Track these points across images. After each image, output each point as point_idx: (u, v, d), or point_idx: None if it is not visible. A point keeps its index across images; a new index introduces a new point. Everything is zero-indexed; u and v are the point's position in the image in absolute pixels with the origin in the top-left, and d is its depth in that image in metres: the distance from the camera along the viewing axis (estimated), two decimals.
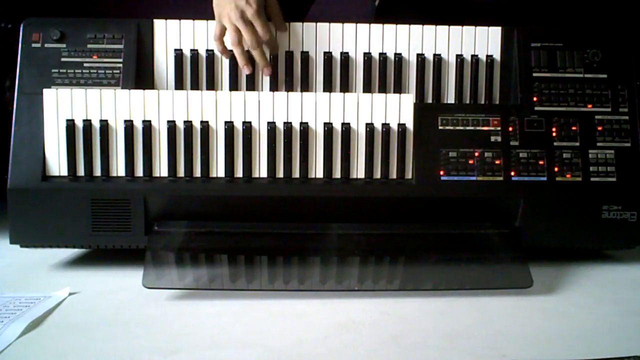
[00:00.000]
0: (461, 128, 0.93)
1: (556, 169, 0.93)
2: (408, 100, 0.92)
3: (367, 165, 0.92)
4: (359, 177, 0.92)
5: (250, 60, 0.95)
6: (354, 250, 0.89)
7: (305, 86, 0.97)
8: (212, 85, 0.97)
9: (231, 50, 0.95)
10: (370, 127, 0.91)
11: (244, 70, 0.95)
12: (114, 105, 0.90)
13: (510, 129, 0.93)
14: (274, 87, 0.97)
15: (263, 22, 0.93)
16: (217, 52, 0.96)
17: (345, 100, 0.92)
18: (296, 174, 0.91)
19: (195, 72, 0.96)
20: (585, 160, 0.93)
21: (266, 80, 0.97)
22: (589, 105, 0.96)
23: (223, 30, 0.94)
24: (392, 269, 0.89)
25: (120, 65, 0.95)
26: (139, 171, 0.91)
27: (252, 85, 0.97)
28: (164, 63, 0.97)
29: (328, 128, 0.91)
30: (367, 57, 0.97)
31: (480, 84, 0.99)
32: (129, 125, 0.90)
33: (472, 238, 0.92)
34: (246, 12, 0.91)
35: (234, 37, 0.93)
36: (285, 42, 0.97)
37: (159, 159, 0.91)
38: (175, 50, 0.97)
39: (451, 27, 0.99)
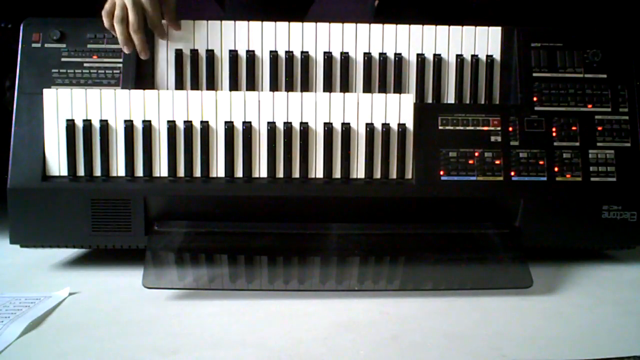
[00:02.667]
0: (461, 128, 0.93)
1: (556, 169, 0.93)
2: (408, 100, 0.92)
3: (367, 165, 0.92)
4: (359, 177, 0.92)
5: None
6: (354, 250, 0.89)
7: (305, 86, 0.97)
8: (212, 85, 0.97)
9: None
10: (370, 127, 0.91)
11: (124, 50, 0.93)
12: (114, 105, 0.90)
13: (510, 129, 0.93)
14: (274, 87, 0.97)
15: (154, 7, 0.91)
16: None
17: (345, 100, 0.92)
18: (296, 174, 0.91)
19: (195, 72, 0.96)
20: (585, 160, 0.93)
21: (266, 81, 0.97)
22: (589, 105, 0.96)
23: (113, 6, 0.93)
24: (392, 269, 0.89)
25: (120, 65, 0.95)
26: (139, 171, 0.91)
27: (252, 85, 0.97)
28: (164, 63, 0.97)
29: (328, 128, 0.91)
30: (367, 57, 0.97)
31: (480, 84, 0.99)
32: (129, 125, 0.90)
33: (472, 238, 0.92)
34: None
35: (118, 14, 0.91)
36: (285, 42, 0.97)
37: (159, 159, 0.91)
38: (176, 50, 0.97)
39: (451, 27, 0.99)
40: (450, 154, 0.92)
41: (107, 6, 0.93)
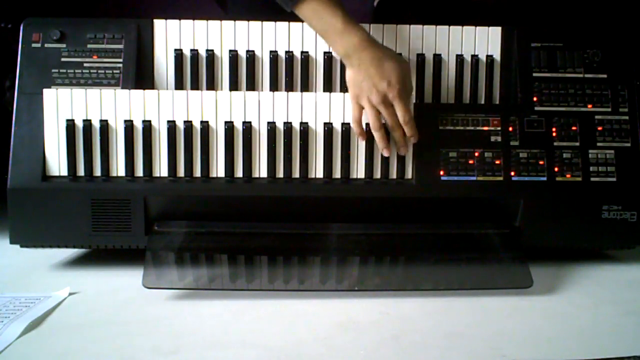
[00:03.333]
0: (461, 128, 0.93)
1: (556, 169, 0.93)
2: None
3: (367, 165, 0.92)
4: (359, 177, 0.92)
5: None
6: (354, 250, 0.89)
7: (305, 86, 0.97)
8: (212, 85, 0.97)
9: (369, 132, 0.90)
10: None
11: (384, 153, 0.90)
12: (114, 105, 0.90)
13: (510, 129, 0.93)
14: (274, 87, 0.97)
15: (405, 105, 0.87)
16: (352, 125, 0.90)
17: (345, 100, 0.92)
18: (296, 174, 0.91)
19: (195, 72, 0.96)
20: (585, 160, 0.93)
21: (266, 80, 0.97)
22: (589, 105, 0.96)
23: (361, 112, 0.89)
24: (392, 269, 0.89)
25: (120, 65, 0.95)
26: (139, 171, 0.91)
27: (252, 85, 0.97)
28: (164, 63, 0.97)
29: (328, 128, 0.91)
30: None
31: (480, 84, 0.99)
32: (129, 125, 0.90)
33: (472, 238, 0.92)
34: (388, 95, 0.86)
35: (375, 122, 0.88)
36: (285, 42, 0.97)
37: (159, 159, 0.91)
38: (175, 50, 0.96)
39: (451, 27, 0.99)
40: (450, 154, 0.92)
41: (355, 114, 0.89)
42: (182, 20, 0.97)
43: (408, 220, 0.92)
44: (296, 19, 0.98)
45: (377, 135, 0.89)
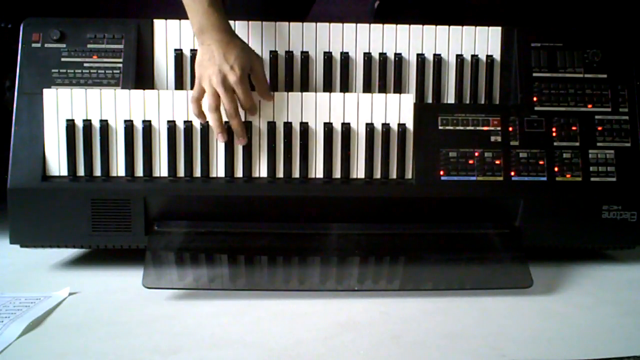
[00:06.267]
0: (461, 128, 0.93)
1: (556, 169, 0.93)
2: (408, 100, 0.93)
3: (367, 165, 0.92)
4: (359, 177, 0.92)
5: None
6: (354, 250, 0.89)
7: (305, 86, 0.97)
8: None
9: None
10: (370, 127, 0.91)
11: (218, 139, 0.89)
12: (114, 105, 0.90)
13: (510, 129, 0.93)
14: (274, 87, 0.97)
15: (245, 90, 0.86)
16: (192, 115, 0.89)
17: (345, 100, 0.92)
18: (296, 174, 0.91)
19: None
20: (585, 160, 0.93)
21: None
22: (589, 105, 0.96)
23: (202, 93, 0.88)
24: (392, 269, 0.89)
25: (120, 65, 0.95)
26: (139, 171, 0.91)
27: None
28: (164, 63, 0.97)
29: (328, 128, 0.91)
30: (367, 57, 0.97)
31: (480, 84, 0.99)
32: (129, 125, 0.90)
33: (472, 238, 0.92)
34: (228, 77, 0.85)
35: (211, 102, 0.87)
36: (285, 42, 0.97)
37: (159, 159, 0.91)
38: (175, 50, 0.96)
39: (451, 27, 0.99)
40: (450, 154, 0.92)
41: (194, 93, 0.88)
42: (182, 20, 0.97)
43: (408, 220, 0.92)
44: (296, 19, 0.98)
45: (211, 117, 0.88)
